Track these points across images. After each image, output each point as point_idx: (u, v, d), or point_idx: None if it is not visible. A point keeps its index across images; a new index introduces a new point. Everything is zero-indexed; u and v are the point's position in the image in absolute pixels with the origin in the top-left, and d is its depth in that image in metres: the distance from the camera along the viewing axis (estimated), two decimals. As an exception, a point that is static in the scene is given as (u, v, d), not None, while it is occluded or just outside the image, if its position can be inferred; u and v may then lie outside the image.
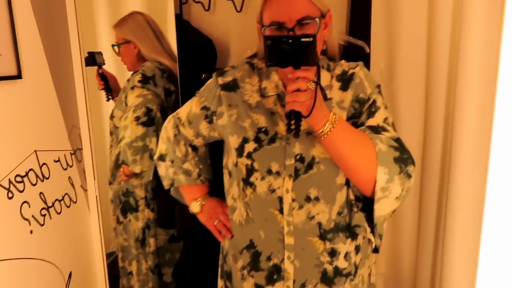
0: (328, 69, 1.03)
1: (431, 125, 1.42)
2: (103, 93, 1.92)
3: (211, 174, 1.25)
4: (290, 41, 0.82)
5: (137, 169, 1.66)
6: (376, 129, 0.96)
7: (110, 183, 1.87)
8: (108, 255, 2.01)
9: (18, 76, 1.07)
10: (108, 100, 1.91)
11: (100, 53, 1.86)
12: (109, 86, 1.87)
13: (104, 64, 1.86)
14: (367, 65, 1.26)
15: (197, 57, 1.48)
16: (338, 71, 1.03)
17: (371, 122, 0.98)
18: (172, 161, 1.17)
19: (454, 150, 1.29)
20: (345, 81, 1.01)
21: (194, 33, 1.49)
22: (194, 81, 1.48)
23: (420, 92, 1.39)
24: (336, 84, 1.01)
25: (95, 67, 1.82)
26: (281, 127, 1.00)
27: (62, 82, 1.27)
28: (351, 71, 1.02)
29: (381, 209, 0.96)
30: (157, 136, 1.68)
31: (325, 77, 1.01)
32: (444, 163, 1.42)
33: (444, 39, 1.33)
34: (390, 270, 1.68)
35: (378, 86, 1.02)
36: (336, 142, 0.91)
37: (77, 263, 1.32)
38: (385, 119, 0.99)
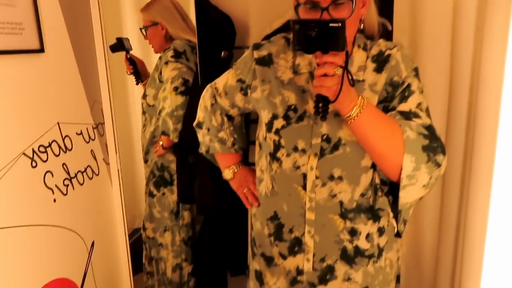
0: (365, 49, 1.01)
1: (455, 104, 1.37)
2: (127, 70, 1.97)
3: (246, 143, 1.28)
4: (317, 27, 0.80)
5: (176, 138, 1.69)
6: (408, 115, 0.94)
7: (146, 161, 1.93)
8: (133, 233, 2.08)
9: (41, 50, 1.10)
10: (137, 83, 1.97)
11: (127, 39, 1.92)
12: (138, 70, 1.95)
13: (131, 49, 1.93)
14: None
15: (216, 34, 1.48)
16: (374, 51, 1.00)
17: (403, 107, 0.96)
18: (208, 129, 1.21)
19: (478, 131, 1.24)
20: (381, 62, 0.99)
21: (212, 9, 1.49)
22: (214, 59, 1.49)
23: (444, 70, 1.34)
24: (371, 66, 0.99)
25: (123, 53, 1.89)
26: (311, 106, 1.00)
27: (83, 57, 1.29)
28: (387, 52, 1.00)
29: (406, 197, 0.95)
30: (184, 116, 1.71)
31: (360, 57, 1.00)
32: (467, 143, 1.37)
33: (470, 14, 1.27)
34: (410, 251, 1.65)
35: (415, 69, 0.99)
36: (363, 126, 0.90)
37: (99, 234, 1.36)
38: (419, 104, 0.96)
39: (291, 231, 1.06)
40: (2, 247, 0.95)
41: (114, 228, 1.47)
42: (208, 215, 1.58)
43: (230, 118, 1.22)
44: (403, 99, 0.96)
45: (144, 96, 1.87)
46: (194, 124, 1.25)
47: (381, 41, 1.02)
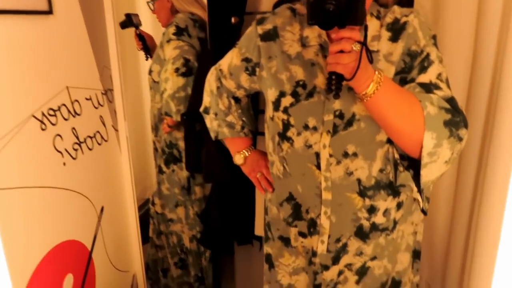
0: (378, 17, 0.94)
1: (478, 73, 1.32)
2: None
3: (255, 125, 1.25)
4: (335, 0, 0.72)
5: (179, 118, 1.69)
6: (428, 87, 0.89)
7: (155, 135, 1.94)
8: (144, 204, 2.12)
9: (49, 11, 1.09)
10: (146, 59, 1.97)
11: (136, 15, 1.91)
12: (147, 46, 1.95)
13: (141, 25, 1.94)
14: (410, 6, 1.17)
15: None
16: (389, 19, 0.94)
17: (423, 78, 0.90)
18: (216, 114, 1.18)
19: (500, 105, 1.19)
20: (396, 31, 0.92)
21: (222, -27, 1.45)
22: (224, 25, 1.46)
23: (468, 36, 1.27)
24: (386, 34, 0.93)
25: (133, 29, 1.88)
26: (320, 80, 0.94)
27: (93, 22, 1.27)
28: (403, 19, 0.93)
29: (428, 175, 0.91)
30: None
31: (373, 26, 0.93)
32: (488, 114, 1.34)
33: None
34: (424, 226, 1.65)
35: (434, 37, 0.93)
36: (380, 104, 0.84)
37: (109, 199, 1.38)
38: (439, 75, 0.90)
39: (307, 211, 1.03)
40: (14, 207, 0.96)
41: (123, 195, 1.48)
42: (215, 184, 1.59)
43: (237, 100, 1.17)
44: (423, 69, 0.90)
45: (150, 72, 1.86)
46: (201, 109, 1.21)
47: (395, 7, 0.96)
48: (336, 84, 0.80)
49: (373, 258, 1.06)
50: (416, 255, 1.20)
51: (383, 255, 1.07)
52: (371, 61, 0.80)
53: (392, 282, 1.16)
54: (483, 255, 1.28)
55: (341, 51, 0.77)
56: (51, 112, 1.09)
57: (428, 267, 1.72)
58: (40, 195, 1.04)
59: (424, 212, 1.04)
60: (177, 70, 1.66)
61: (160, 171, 1.91)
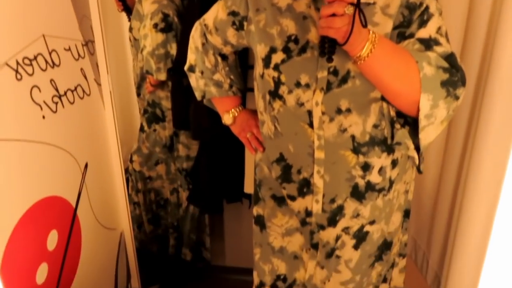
0: None
1: (473, 31, 1.28)
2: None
3: (243, 84, 1.21)
4: None
5: (162, 77, 1.65)
6: (428, 43, 0.85)
7: (139, 95, 1.89)
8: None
9: (20, -50, 1.00)
10: (129, 20, 1.86)
11: None
12: (128, 6, 1.84)
13: None
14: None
15: None
16: None
17: (423, 33, 0.86)
18: (202, 72, 1.12)
19: (494, 60, 1.16)
20: None
21: None
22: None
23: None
24: None
25: None
26: (313, 34, 0.89)
27: (69, -35, 1.18)
28: None
29: (427, 138, 0.89)
30: (177, 42, 1.64)
31: None
32: (481, 72, 1.31)
33: None
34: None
35: None
36: (374, 66, 0.81)
37: (93, 156, 1.33)
38: (439, 29, 0.86)
39: (299, 172, 1.01)
40: (-10, 160, 0.91)
41: (108, 152, 1.43)
42: (204, 140, 1.55)
43: (223, 57, 1.12)
44: (422, 23, 0.86)
45: (130, 29, 1.79)
46: (186, 68, 1.16)
47: None
48: (329, 47, 0.78)
49: (372, 222, 1.05)
50: (406, 214, 1.19)
51: (381, 217, 1.06)
52: (364, 25, 0.76)
53: (384, 243, 1.16)
54: (471, 212, 1.29)
55: (334, 15, 0.73)
56: (27, 61, 1.02)
57: (415, 223, 1.75)
58: (18, 148, 0.99)
59: (419, 170, 1.03)
60: (155, 25, 1.58)
61: (141, 129, 1.87)
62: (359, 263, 1.08)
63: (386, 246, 1.18)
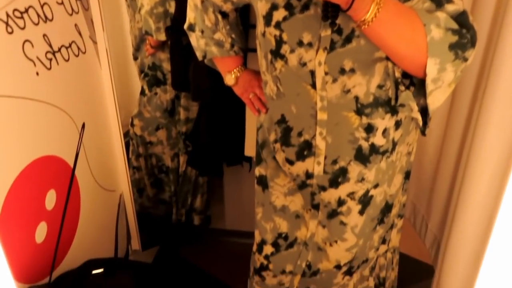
0: None
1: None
2: None
3: (245, 43, 1.16)
4: None
5: (162, 37, 1.59)
6: (439, 1, 0.79)
7: (135, 58, 1.83)
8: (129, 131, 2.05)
9: None
10: None
11: None
12: None
13: None
14: None
15: None
16: None
17: None
18: (202, 31, 1.07)
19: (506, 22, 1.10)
20: None
21: None
22: None
23: None
24: None
25: None
26: None
27: None
28: None
29: (435, 102, 0.86)
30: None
31: None
32: (492, 34, 1.25)
33: None
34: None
35: None
36: (379, 31, 0.77)
37: (90, 116, 1.30)
38: None
39: (300, 134, 0.98)
40: (-17, 117, 0.88)
41: (105, 112, 1.40)
42: (204, 101, 1.52)
43: (224, 15, 1.07)
44: None
45: None
46: (185, 26, 1.10)
47: None
48: (332, 12, 0.74)
49: (376, 185, 1.03)
50: (407, 176, 1.18)
51: (384, 180, 1.04)
52: None
53: (386, 206, 1.15)
54: (474, 178, 1.27)
55: None
56: (17, 14, 0.97)
57: (415, 187, 1.74)
58: (12, 105, 0.96)
59: (423, 133, 1.01)
60: None
61: (142, 93, 1.83)
62: (363, 227, 1.08)
63: (387, 208, 1.17)
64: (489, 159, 1.21)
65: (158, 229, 2.03)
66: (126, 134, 1.88)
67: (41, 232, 1.08)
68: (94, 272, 1.10)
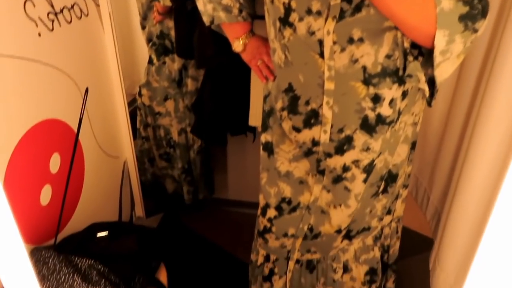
0: None
1: None
2: None
3: (254, 8, 1.13)
4: None
5: (167, 2, 1.55)
6: None
7: (143, 28, 1.79)
8: (133, 100, 2.04)
9: None
10: None
11: None
12: None
13: None
14: None
15: None
16: None
17: None
18: None
19: None
20: None
21: None
22: None
23: None
24: None
25: None
26: None
27: None
28: None
29: (442, 74, 0.84)
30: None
31: None
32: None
33: None
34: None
35: None
36: (388, 1, 0.75)
37: (94, 81, 1.29)
38: None
39: (307, 103, 0.98)
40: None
41: (109, 78, 1.39)
42: (208, 69, 1.50)
43: None
44: None
45: None
46: None
47: None
48: None
49: (379, 154, 1.03)
50: (413, 146, 1.17)
51: (385, 148, 1.04)
52: None
53: (389, 175, 1.15)
54: (479, 151, 1.26)
55: None
56: (18, -28, 0.95)
57: (418, 160, 1.74)
58: (14, 65, 0.95)
59: (429, 104, 0.99)
60: None
61: (150, 62, 1.80)
62: (362, 192, 1.09)
63: (391, 178, 1.17)
64: (495, 132, 1.20)
65: (165, 199, 2.05)
66: (130, 104, 1.87)
67: (46, 194, 1.08)
68: (98, 235, 1.11)
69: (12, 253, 0.57)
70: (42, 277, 0.97)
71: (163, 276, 1.11)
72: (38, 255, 0.98)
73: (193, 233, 1.94)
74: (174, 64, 1.74)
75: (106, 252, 1.06)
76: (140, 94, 1.89)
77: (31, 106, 1.01)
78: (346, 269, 1.28)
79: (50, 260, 0.98)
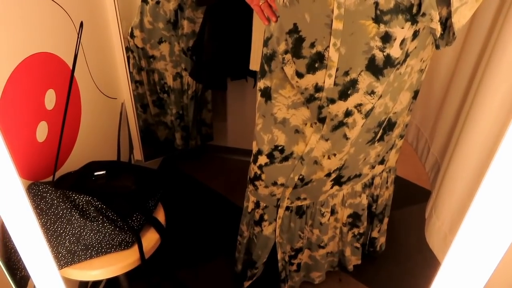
0: None
1: None
2: None
3: None
4: None
5: None
6: None
7: None
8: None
9: None
10: None
11: None
12: None
13: None
14: None
15: None
16: None
17: None
18: None
19: None
20: None
21: None
22: None
23: None
24: None
25: None
26: None
27: None
28: None
29: (460, 19, 0.82)
30: None
31: None
32: None
33: None
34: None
35: None
36: None
37: (88, 15, 1.23)
38: None
39: (312, 45, 0.93)
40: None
41: (104, 13, 1.33)
42: (208, 9, 1.43)
43: None
44: None
45: None
46: None
47: None
48: None
49: (380, 97, 1.00)
50: (415, 95, 1.14)
51: (388, 91, 1.01)
52: None
53: (388, 123, 1.12)
54: (484, 103, 1.23)
55: None
56: None
57: (421, 112, 1.71)
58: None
59: (438, 47, 0.95)
60: None
61: (144, 0, 1.71)
62: (357, 137, 1.07)
63: (389, 126, 1.15)
64: (501, 84, 1.16)
65: (157, 146, 2.03)
66: (127, 49, 1.80)
67: (42, 131, 1.07)
68: (96, 173, 1.10)
69: (8, 184, 0.56)
70: (40, 211, 0.97)
71: (160, 216, 1.11)
72: (35, 190, 0.98)
73: (191, 179, 1.96)
74: (169, 3, 1.65)
75: (104, 190, 1.06)
76: (132, 36, 1.81)
77: (24, 38, 0.97)
78: (332, 212, 1.29)
79: (48, 195, 0.98)
